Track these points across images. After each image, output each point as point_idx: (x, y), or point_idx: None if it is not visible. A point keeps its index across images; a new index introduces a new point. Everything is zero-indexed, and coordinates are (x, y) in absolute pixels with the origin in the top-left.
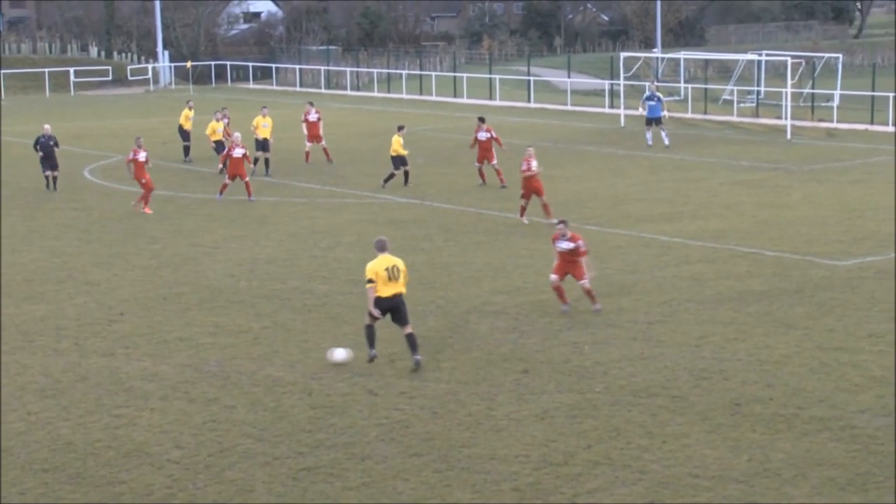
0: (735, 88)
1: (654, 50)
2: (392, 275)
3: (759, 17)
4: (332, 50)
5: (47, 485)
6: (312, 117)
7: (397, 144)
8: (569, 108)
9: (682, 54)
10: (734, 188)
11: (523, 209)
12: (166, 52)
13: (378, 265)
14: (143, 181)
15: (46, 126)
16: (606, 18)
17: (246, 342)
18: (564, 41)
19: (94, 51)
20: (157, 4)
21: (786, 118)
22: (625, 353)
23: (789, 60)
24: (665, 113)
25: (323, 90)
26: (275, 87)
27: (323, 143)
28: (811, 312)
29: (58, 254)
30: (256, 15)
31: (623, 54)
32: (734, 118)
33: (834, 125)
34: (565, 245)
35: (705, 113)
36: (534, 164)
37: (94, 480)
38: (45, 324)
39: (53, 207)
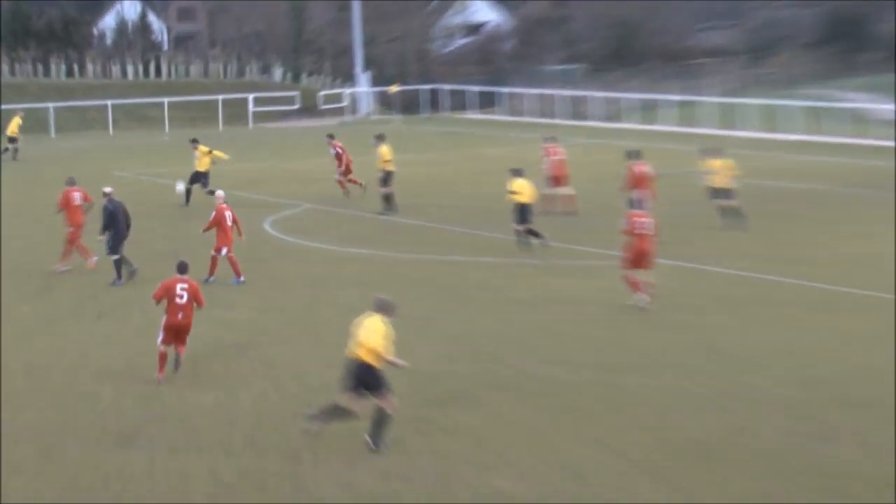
0: None
1: None
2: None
3: None
4: (575, 69)
5: None
6: (555, 158)
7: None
8: None
9: None
10: None
11: None
12: (367, 75)
13: None
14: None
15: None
16: None
17: (466, 445)
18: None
19: (278, 73)
20: (357, 15)
21: None
22: None
23: None
24: None
25: (562, 120)
26: (503, 118)
27: (565, 188)
28: None
29: (230, 326)
30: (479, 26)
31: None
32: None
33: None
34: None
35: None
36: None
37: None
38: (214, 417)
39: (226, 268)
